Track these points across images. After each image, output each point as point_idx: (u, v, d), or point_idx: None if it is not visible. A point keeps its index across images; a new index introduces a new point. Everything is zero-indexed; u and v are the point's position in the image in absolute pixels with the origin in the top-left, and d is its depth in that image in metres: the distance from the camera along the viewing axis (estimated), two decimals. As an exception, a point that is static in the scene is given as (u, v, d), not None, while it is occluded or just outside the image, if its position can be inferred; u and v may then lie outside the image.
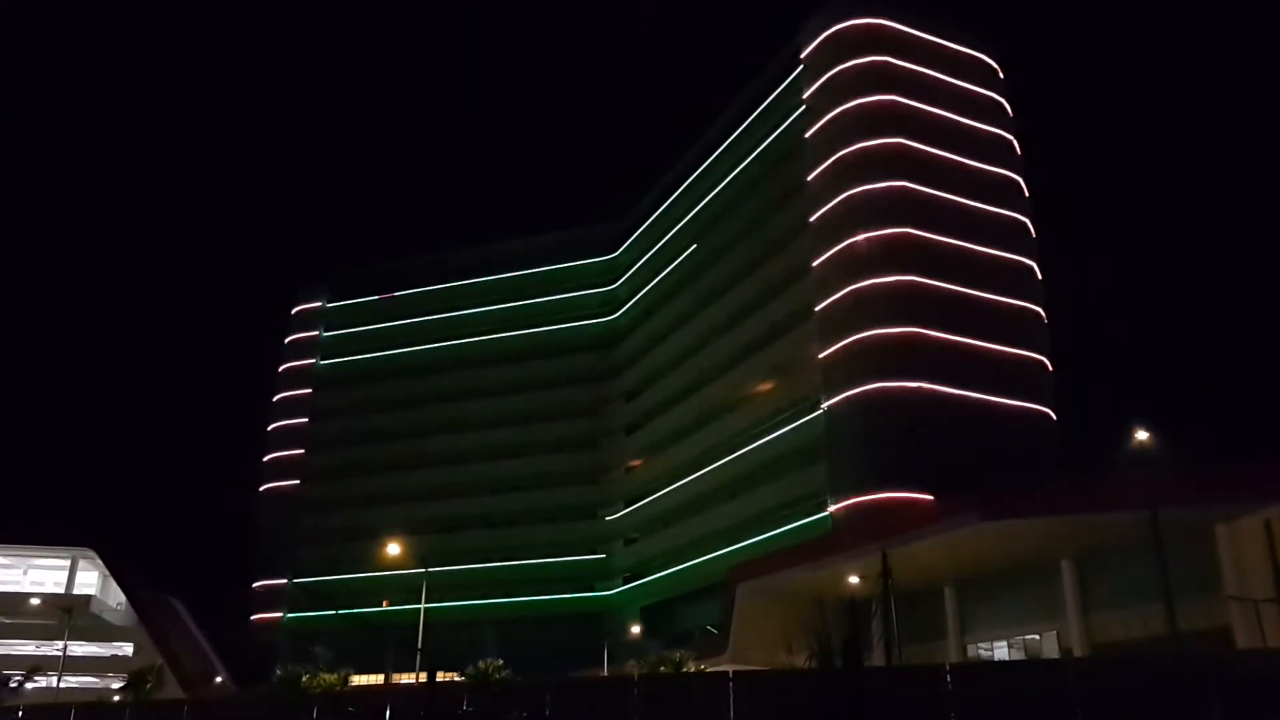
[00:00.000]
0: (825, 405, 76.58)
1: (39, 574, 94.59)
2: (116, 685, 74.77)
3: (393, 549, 65.52)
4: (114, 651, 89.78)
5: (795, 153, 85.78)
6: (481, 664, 52.38)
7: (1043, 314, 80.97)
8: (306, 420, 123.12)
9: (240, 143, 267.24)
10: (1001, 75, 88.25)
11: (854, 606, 48.58)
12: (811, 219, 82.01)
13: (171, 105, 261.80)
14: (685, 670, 52.13)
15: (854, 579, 53.79)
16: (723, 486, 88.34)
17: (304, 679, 52.55)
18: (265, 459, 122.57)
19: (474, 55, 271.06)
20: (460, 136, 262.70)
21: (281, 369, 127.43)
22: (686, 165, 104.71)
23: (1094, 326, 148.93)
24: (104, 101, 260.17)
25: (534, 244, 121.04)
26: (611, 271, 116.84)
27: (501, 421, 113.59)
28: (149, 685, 65.37)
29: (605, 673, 76.49)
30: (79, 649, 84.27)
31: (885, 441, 71.78)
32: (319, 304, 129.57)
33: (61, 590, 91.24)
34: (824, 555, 60.74)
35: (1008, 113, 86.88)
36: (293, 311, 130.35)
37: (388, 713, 38.85)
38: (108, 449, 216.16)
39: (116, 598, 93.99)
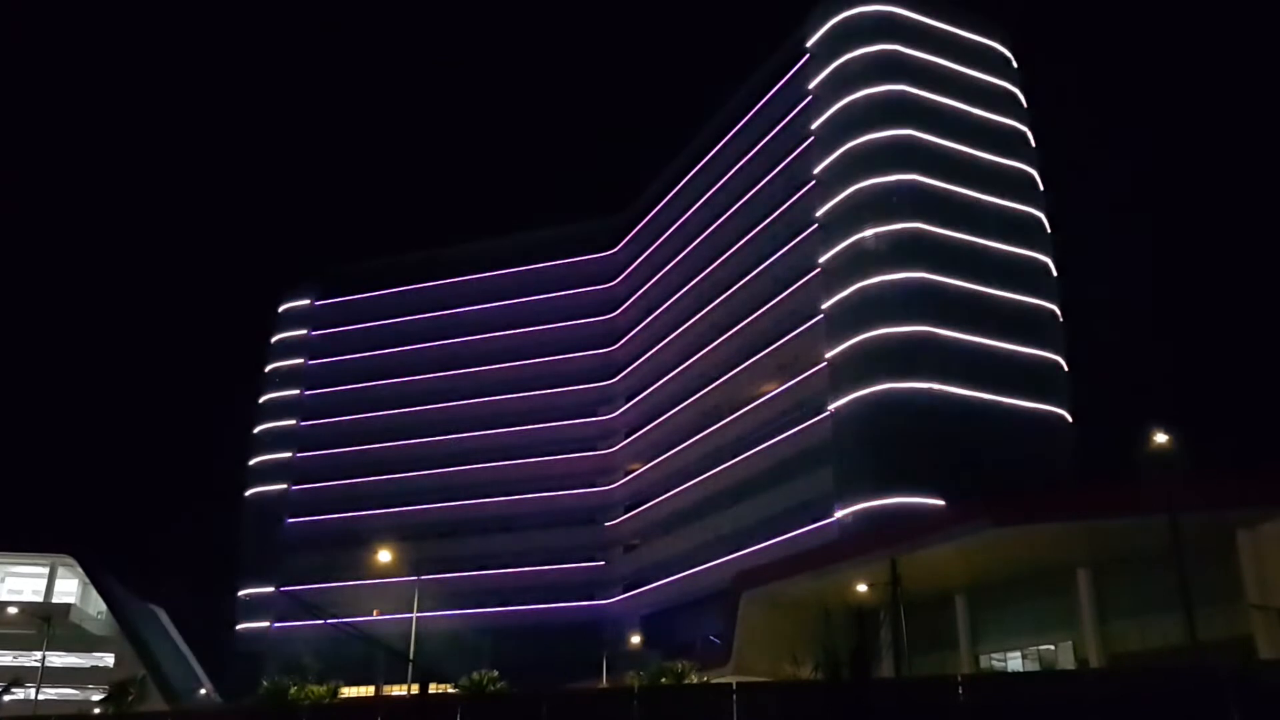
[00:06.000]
0: (832, 407, 75.70)
1: (16, 582, 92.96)
2: (97, 697, 73.14)
3: (384, 556, 64.47)
4: (94, 662, 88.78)
5: (801, 144, 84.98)
6: (476, 675, 50.92)
7: (1058, 312, 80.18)
8: (294, 422, 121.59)
9: (225, 133, 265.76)
10: (1015, 64, 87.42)
11: (862, 616, 48.34)
12: (818, 213, 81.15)
13: (159, 102, 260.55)
14: (687, 682, 50.92)
15: (862, 587, 53.28)
16: (726, 491, 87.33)
17: (292, 691, 50.83)
18: (251, 462, 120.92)
19: (468, 45, 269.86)
20: (455, 129, 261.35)
21: (268, 369, 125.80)
22: (689, 158, 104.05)
23: (1111, 325, 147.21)
24: (90, 98, 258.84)
25: (530, 240, 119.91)
26: (610, 268, 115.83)
27: (496, 424, 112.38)
28: (131, 697, 63.70)
29: (604, 684, 75.23)
30: (58, 659, 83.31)
31: (894, 444, 70.87)
32: (307, 302, 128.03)
33: (40, 598, 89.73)
34: (831, 562, 60.09)
35: (1022, 103, 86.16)
36: (279, 310, 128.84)
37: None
38: (88, 451, 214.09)
39: (97, 606, 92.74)
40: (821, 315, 78.38)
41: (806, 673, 37.35)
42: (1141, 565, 48.86)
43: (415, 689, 49.62)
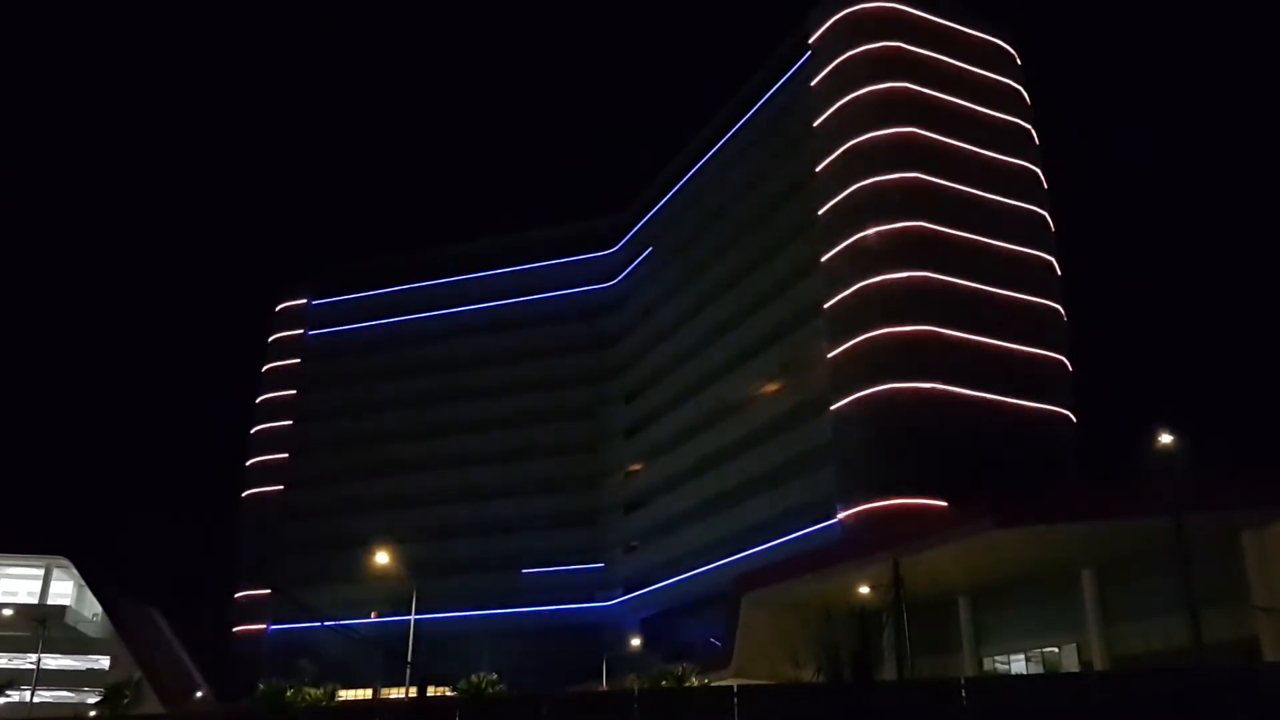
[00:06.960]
0: (834, 407, 75.21)
1: (11, 583, 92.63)
2: (93, 700, 72.96)
3: (381, 558, 63.83)
4: (90, 664, 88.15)
5: (803, 142, 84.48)
6: (474, 678, 50.48)
7: (1062, 311, 79.77)
8: (291, 423, 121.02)
9: (224, 133, 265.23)
10: (1019, 61, 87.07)
11: (864, 618, 48.07)
12: (820, 212, 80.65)
13: (159, 101, 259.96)
14: (687, 685, 50.64)
15: (864, 589, 52.88)
16: (726, 492, 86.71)
17: (288, 694, 50.49)
18: (248, 463, 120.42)
19: (468, 45, 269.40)
20: (454, 129, 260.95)
21: (265, 369, 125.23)
22: (689, 156, 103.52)
23: (1116, 324, 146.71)
24: (90, 98, 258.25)
25: (529, 239, 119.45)
26: (610, 267, 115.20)
27: (495, 425, 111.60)
28: (127, 700, 63.50)
29: (604, 686, 75.00)
30: (53, 662, 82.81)
31: (896, 445, 70.74)
32: (303, 301, 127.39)
33: (35, 600, 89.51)
34: (832, 564, 59.74)
35: (1026, 101, 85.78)
36: (276, 309, 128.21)
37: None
38: (83, 452, 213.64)
39: (92, 608, 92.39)
40: (823, 315, 77.86)
41: (808, 675, 37.10)
42: (1146, 567, 48.69)
43: (414, 692, 49.35)
